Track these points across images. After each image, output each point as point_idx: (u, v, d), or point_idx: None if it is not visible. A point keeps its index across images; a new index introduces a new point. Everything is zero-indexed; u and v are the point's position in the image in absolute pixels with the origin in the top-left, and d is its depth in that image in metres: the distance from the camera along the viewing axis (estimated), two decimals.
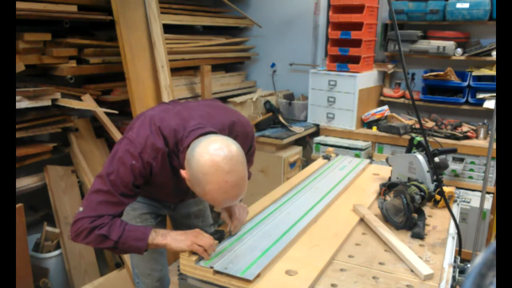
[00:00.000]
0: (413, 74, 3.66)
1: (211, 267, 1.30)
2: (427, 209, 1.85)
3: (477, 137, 3.23)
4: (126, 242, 1.34)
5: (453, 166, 3.12)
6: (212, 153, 1.25)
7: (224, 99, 3.69)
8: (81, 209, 1.34)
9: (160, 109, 1.49)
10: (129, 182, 1.35)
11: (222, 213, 1.58)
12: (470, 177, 3.18)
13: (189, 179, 1.32)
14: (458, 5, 3.23)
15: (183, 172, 1.34)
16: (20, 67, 2.36)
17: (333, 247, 1.47)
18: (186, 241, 1.37)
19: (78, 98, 2.77)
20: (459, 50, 3.34)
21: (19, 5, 2.30)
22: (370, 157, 3.12)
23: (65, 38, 2.66)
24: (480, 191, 2.77)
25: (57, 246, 2.60)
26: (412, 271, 1.36)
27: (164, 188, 1.54)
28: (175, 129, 1.39)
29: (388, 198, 1.79)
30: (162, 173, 1.42)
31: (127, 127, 1.48)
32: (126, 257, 2.69)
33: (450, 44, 3.34)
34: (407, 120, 3.55)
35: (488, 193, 3.01)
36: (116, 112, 2.83)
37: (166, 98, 3.01)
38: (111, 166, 1.35)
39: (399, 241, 1.52)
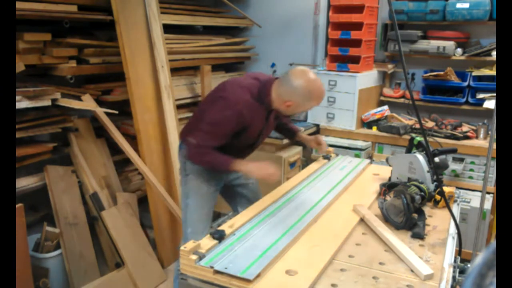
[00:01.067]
0: (413, 74, 3.66)
1: (211, 267, 1.30)
2: (427, 209, 1.85)
3: (477, 137, 3.23)
4: (217, 159, 1.92)
5: (453, 166, 3.12)
6: (298, 71, 1.89)
7: None
8: (194, 141, 1.94)
9: (233, 80, 2.05)
10: (229, 128, 1.88)
11: (310, 142, 2.29)
12: (470, 177, 3.18)
13: (291, 103, 1.87)
14: (458, 5, 3.23)
15: (288, 102, 1.87)
16: (20, 67, 2.36)
17: (333, 247, 1.47)
18: (259, 170, 1.89)
19: (78, 98, 2.76)
20: (459, 50, 3.34)
21: (19, 5, 2.30)
22: (370, 157, 3.13)
23: (65, 38, 2.65)
24: (480, 191, 2.77)
25: (57, 246, 2.60)
26: (412, 271, 1.36)
27: (252, 129, 1.96)
28: (253, 84, 1.94)
29: (388, 198, 1.79)
30: (251, 117, 1.90)
31: (204, 99, 2.11)
32: (126, 258, 2.70)
33: (450, 44, 3.34)
34: (407, 120, 3.55)
35: (488, 193, 3.01)
36: (116, 112, 2.82)
37: (166, 98, 3.01)
38: (215, 118, 1.89)
39: (399, 241, 1.52)
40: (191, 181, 2.11)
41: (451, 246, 1.57)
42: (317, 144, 2.26)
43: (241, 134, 1.95)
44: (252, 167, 1.90)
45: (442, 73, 3.38)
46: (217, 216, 3.19)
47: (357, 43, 3.47)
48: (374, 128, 3.54)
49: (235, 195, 2.32)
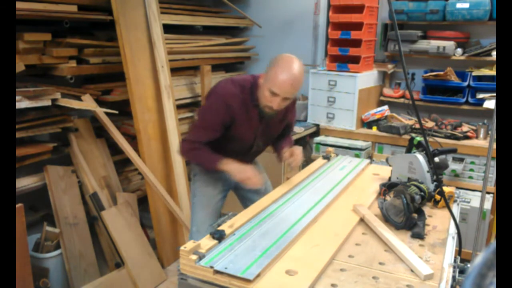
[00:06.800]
0: (413, 74, 3.66)
1: (211, 267, 1.30)
2: (427, 209, 1.85)
3: (477, 137, 3.23)
4: (204, 157, 1.96)
5: (453, 166, 3.12)
6: (286, 55, 1.84)
7: None
8: (186, 136, 2.00)
9: (228, 78, 2.04)
10: (217, 118, 1.88)
11: (284, 153, 2.08)
12: (470, 177, 3.18)
13: (263, 76, 1.85)
14: (458, 5, 3.23)
15: (261, 78, 1.88)
16: (20, 67, 2.36)
17: (333, 247, 1.47)
18: (240, 173, 1.88)
19: (78, 98, 2.76)
20: (459, 50, 3.34)
21: (19, 5, 2.30)
22: (370, 157, 3.13)
23: (65, 38, 2.65)
24: (480, 191, 2.77)
25: (57, 246, 2.60)
26: (412, 271, 1.36)
27: (239, 132, 1.96)
28: (247, 80, 1.95)
29: (388, 198, 1.79)
30: (239, 113, 1.90)
31: (205, 96, 2.04)
32: (126, 258, 2.70)
33: (450, 44, 3.34)
34: (407, 120, 3.55)
35: (488, 193, 3.01)
36: (116, 112, 2.82)
37: (166, 98, 3.01)
38: (204, 109, 1.94)
39: (399, 241, 1.52)
40: (197, 181, 2.16)
41: (451, 246, 1.57)
42: (290, 155, 2.08)
43: (232, 131, 1.95)
44: (233, 168, 1.90)
45: (442, 73, 3.38)
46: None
47: (357, 43, 3.47)
48: (374, 128, 3.54)
49: (243, 200, 2.33)
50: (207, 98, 1.98)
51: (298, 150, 2.10)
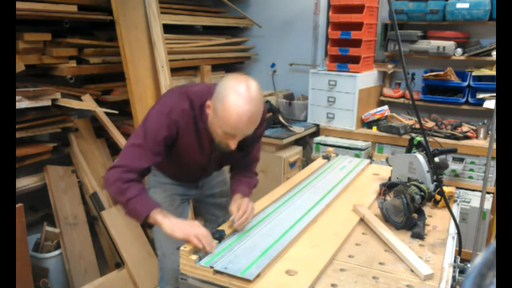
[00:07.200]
0: (413, 74, 3.66)
1: (211, 267, 1.30)
2: (427, 209, 1.85)
3: (477, 137, 3.23)
4: (135, 204, 1.47)
5: (453, 166, 3.12)
6: (236, 79, 1.47)
7: None
8: (116, 160, 1.54)
9: (188, 84, 1.81)
10: (158, 137, 1.52)
11: (232, 206, 1.61)
12: (470, 177, 3.18)
13: (211, 106, 1.49)
14: (458, 5, 3.23)
15: (208, 102, 1.51)
16: (20, 67, 2.36)
17: (333, 247, 1.47)
18: (181, 228, 1.43)
19: (78, 98, 2.76)
20: (459, 50, 3.34)
21: (19, 5, 2.30)
22: (370, 157, 3.12)
23: (65, 38, 2.65)
24: (480, 191, 2.77)
25: (57, 246, 2.60)
26: (412, 271, 1.36)
27: (188, 153, 1.66)
28: (201, 93, 1.58)
29: (388, 198, 1.79)
30: (187, 133, 1.59)
31: (158, 99, 1.70)
32: (126, 258, 2.69)
33: (450, 44, 3.34)
34: (407, 120, 3.55)
35: (488, 193, 3.01)
36: (116, 112, 2.82)
37: None
38: (144, 125, 1.56)
39: (399, 241, 1.52)
40: (153, 195, 1.75)
41: (451, 246, 1.57)
42: (237, 209, 1.58)
43: (179, 152, 1.63)
44: (170, 226, 1.44)
45: (442, 73, 3.38)
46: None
47: (357, 43, 3.47)
48: (374, 128, 3.54)
49: (205, 213, 2.06)
50: (150, 110, 1.62)
51: (249, 205, 1.61)
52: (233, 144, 1.50)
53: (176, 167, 1.80)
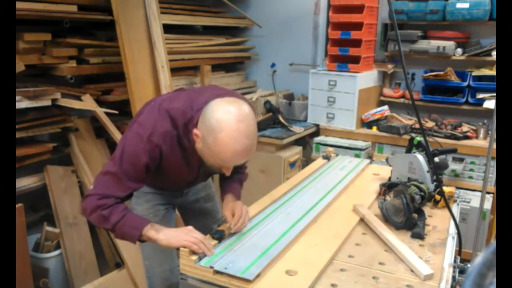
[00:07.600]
0: (413, 74, 3.66)
1: (211, 267, 1.30)
2: (427, 209, 1.85)
3: (477, 137, 3.23)
4: (123, 227, 1.39)
5: (453, 166, 3.12)
6: (227, 106, 1.31)
7: None
8: (91, 186, 1.42)
9: (169, 95, 1.58)
10: (138, 164, 1.39)
11: (225, 211, 1.58)
12: (470, 177, 3.18)
13: (200, 136, 1.34)
14: (458, 5, 3.23)
15: (195, 130, 1.35)
16: (20, 67, 2.36)
17: (333, 247, 1.47)
18: (177, 237, 1.39)
19: (78, 98, 2.77)
20: (459, 50, 3.34)
21: (19, 5, 2.30)
22: (370, 157, 3.12)
23: (65, 38, 2.65)
24: (480, 191, 2.77)
25: (57, 246, 2.60)
26: (412, 271, 1.36)
27: (175, 173, 1.56)
28: (183, 110, 1.41)
29: (388, 198, 1.79)
30: (172, 155, 1.45)
31: (137, 113, 1.54)
32: (126, 257, 2.69)
33: (450, 44, 3.34)
34: (407, 120, 3.55)
35: (488, 193, 3.01)
36: (116, 112, 2.83)
37: None
38: (121, 149, 1.41)
39: (399, 241, 1.52)
40: (135, 206, 1.72)
41: (451, 246, 1.57)
42: (231, 214, 1.55)
43: (165, 170, 1.52)
44: (165, 237, 1.39)
45: (442, 73, 3.38)
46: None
47: (357, 43, 3.47)
48: (374, 128, 3.54)
49: (193, 213, 1.95)
50: (127, 132, 1.46)
51: (244, 208, 1.56)
52: (227, 171, 1.41)
53: (162, 182, 1.69)
